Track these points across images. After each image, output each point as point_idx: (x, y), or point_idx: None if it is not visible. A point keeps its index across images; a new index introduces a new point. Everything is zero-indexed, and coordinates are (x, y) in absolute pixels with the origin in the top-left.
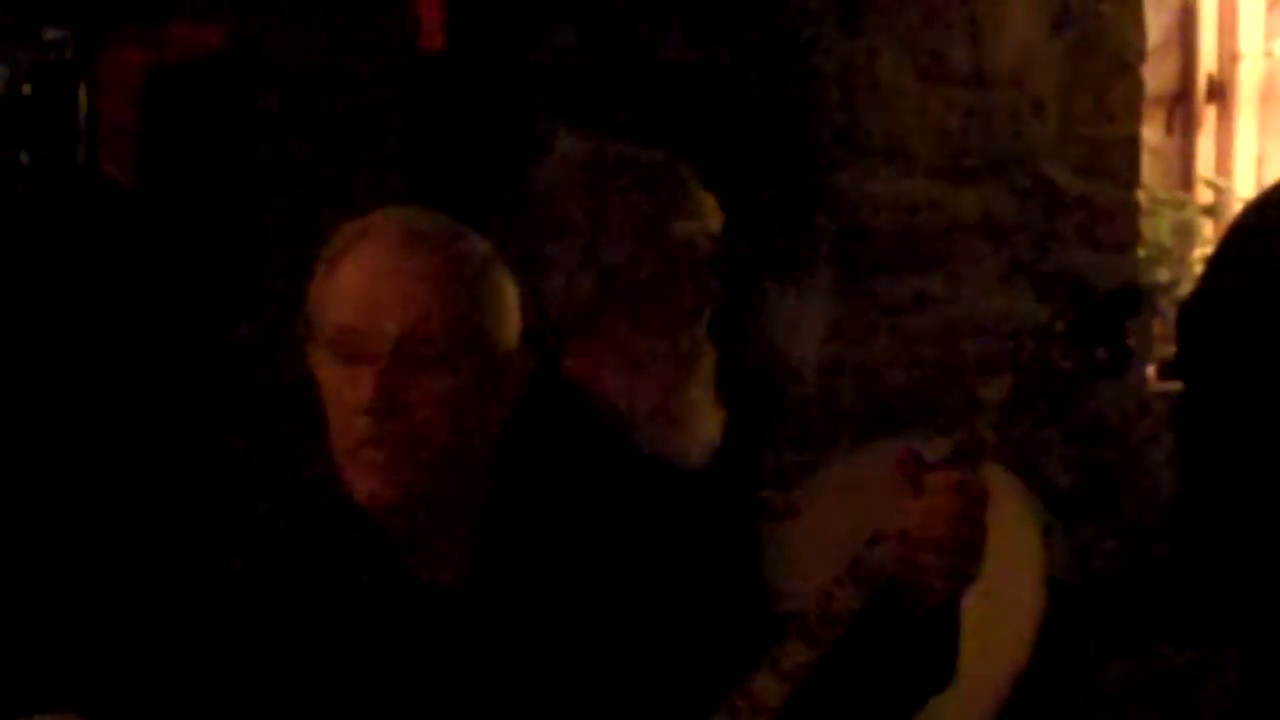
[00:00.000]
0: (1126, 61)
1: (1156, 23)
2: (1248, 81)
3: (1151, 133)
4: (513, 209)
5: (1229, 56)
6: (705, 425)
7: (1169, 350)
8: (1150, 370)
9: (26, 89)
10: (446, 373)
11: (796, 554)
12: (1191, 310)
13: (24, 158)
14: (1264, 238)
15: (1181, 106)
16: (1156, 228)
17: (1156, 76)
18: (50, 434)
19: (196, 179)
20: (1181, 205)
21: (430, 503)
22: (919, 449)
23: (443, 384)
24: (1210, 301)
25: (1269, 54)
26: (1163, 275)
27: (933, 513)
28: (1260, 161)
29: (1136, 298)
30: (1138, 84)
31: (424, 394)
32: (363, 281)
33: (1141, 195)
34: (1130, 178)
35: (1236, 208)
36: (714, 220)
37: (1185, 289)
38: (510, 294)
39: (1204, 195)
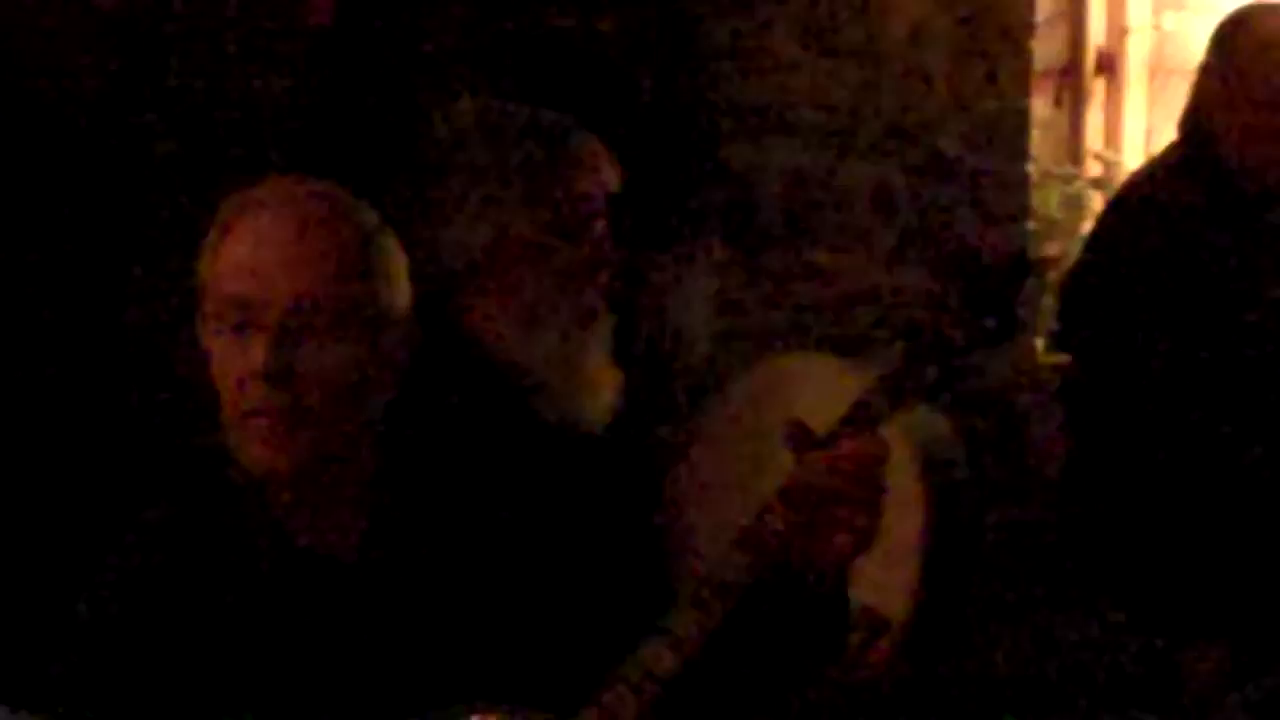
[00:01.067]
0: (1015, 34)
1: None
2: (1136, 55)
3: (1040, 106)
4: (410, 162)
5: (1118, 30)
6: (604, 387)
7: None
8: (1039, 343)
9: None
10: (336, 340)
11: (690, 494)
12: (1073, 283)
13: None
14: (1142, 212)
15: (1070, 80)
16: (1046, 201)
17: (1045, 49)
18: None
19: (83, 158)
20: (1070, 179)
21: (320, 471)
22: (802, 421)
23: (333, 351)
24: (1090, 275)
25: (1157, 27)
26: (1052, 248)
27: (828, 476)
28: (1149, 135)
29: (1025, 268)
30: (1027, 57)
31: (314, 362)
32: (252, 249)
33: (1031, 168)
34: (1019, 150)
35: None
36: (611, 176)
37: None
38: (399, 262)
39: (1093, 169)
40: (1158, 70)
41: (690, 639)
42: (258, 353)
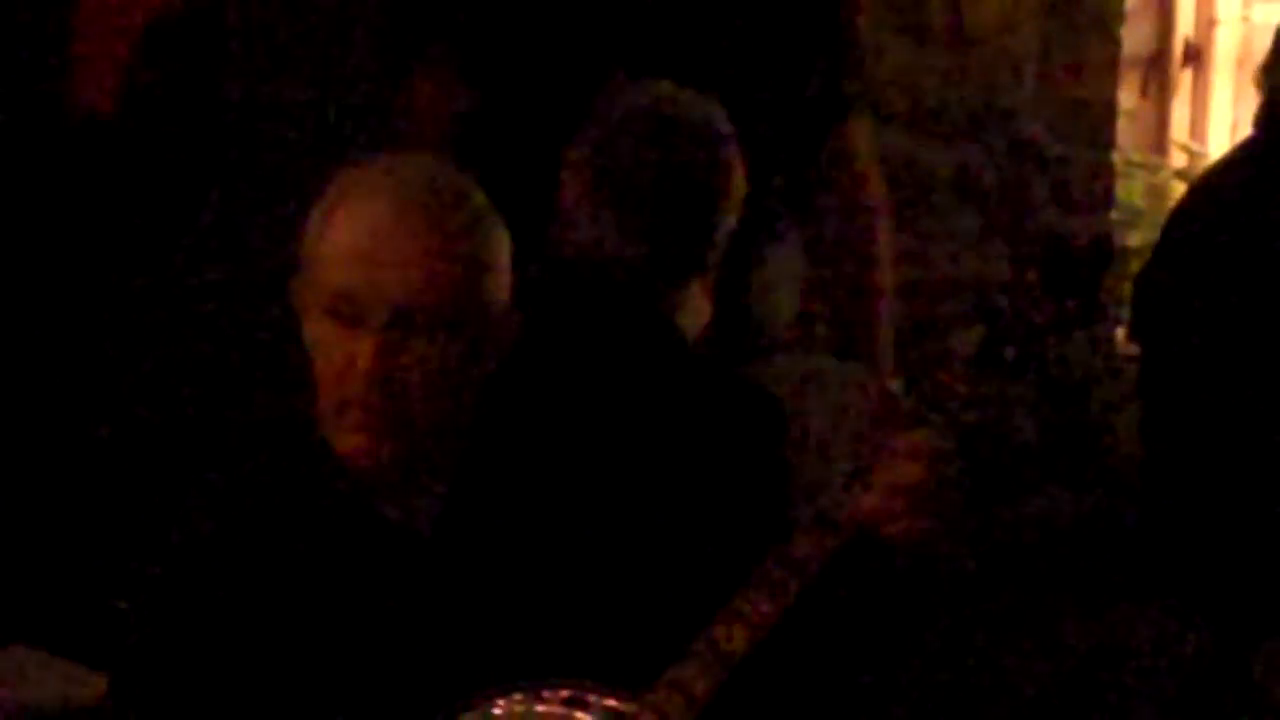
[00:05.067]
0: (1104, 24)
1: None
2: (1224, 46)
3: (1127, 95)
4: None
5: (1206, 21)
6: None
7: None
8: (1120, 333)
9: None
10: (443, 340)
11: None
12: (1145, 274)
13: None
14: (1213, 205)
15: (1157, 70)
16: (1130, 190)
17: (1133, 39)
18: (25, 368)
19: (177, 115)
20: (1155, 169)
21: (414, 461)
22: (895, 393)
23: (438, 351)
24: (1160, 266)
25: (1246, 19)
26: (1135, 238)
27: (906, 462)
28: (1234, 128)
29: (1108, 251)
30: (1115, 46)
31: (419, 360)
32: (362, 242)
33: (1115, 158)
34: (1105, 140)
35: None
36: None
37: None
38: (504, 248)
39: (1178, 159)
40: (1245, 62)
41: (762, 618)
42: (364, 348)
